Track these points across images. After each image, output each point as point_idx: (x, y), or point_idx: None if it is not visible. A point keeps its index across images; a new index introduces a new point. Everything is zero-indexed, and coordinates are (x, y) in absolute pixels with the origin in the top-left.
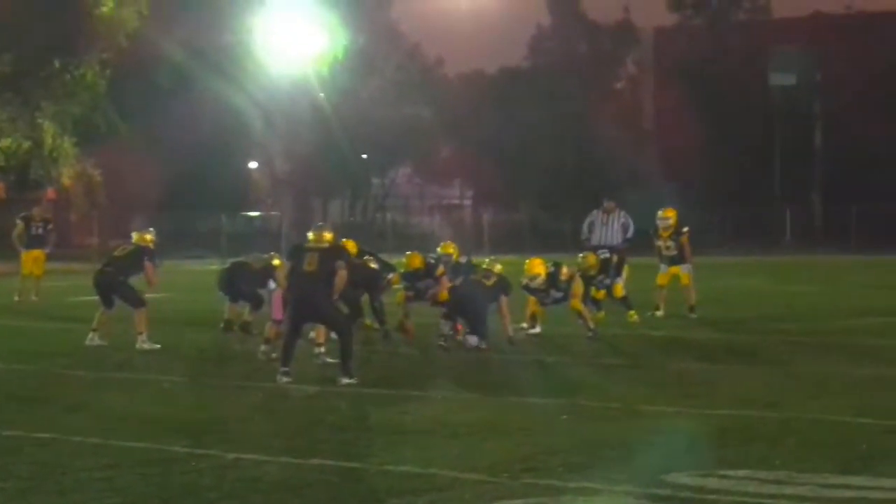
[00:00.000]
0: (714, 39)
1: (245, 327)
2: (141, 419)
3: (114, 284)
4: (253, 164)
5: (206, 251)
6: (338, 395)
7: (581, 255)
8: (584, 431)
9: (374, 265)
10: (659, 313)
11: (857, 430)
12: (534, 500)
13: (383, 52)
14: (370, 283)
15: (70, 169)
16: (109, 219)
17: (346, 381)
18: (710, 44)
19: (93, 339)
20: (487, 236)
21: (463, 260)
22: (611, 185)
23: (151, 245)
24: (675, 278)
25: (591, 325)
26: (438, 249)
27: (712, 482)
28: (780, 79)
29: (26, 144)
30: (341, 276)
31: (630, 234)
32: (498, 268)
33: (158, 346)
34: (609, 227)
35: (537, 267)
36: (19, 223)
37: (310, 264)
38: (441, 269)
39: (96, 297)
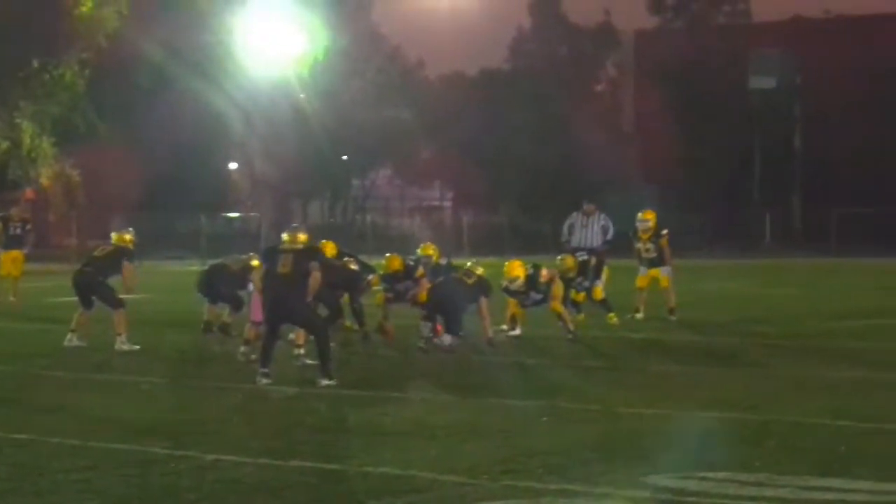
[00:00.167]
0: (694, 42)
1: (224, 329)
2: (120, 420)
3: (93, 285)
4: (233, 165)
5: (185, 252)
6: (317, 397)
7: (559, 257)
8: (563, 433)
9: (354, 267)
10: (639, 316)
11: (836, 433)
12: (513, 502)
13: (364, 54)
14: (350, 284)
15: (49, 169)
16: (88, 219)
17: (325, 382)
18: (691, 47)
19: (71, 340)
20: (467, 238)
21: (443, 262)
22: (591, 188)
23: (131, 245)
24: (655, 281)
25: (571, 327)
26: (418, 251)
27: (692, 484)
28: (760, 82)
29: (5, 144)
30: (315, 277)
31: (610, 236)
32: (479, 270)
33: (137, 347)
34: (589, 229)
35: (517, 269)
36: None
37: (284, 266)
38: (421, 270)
39: (75, 298)
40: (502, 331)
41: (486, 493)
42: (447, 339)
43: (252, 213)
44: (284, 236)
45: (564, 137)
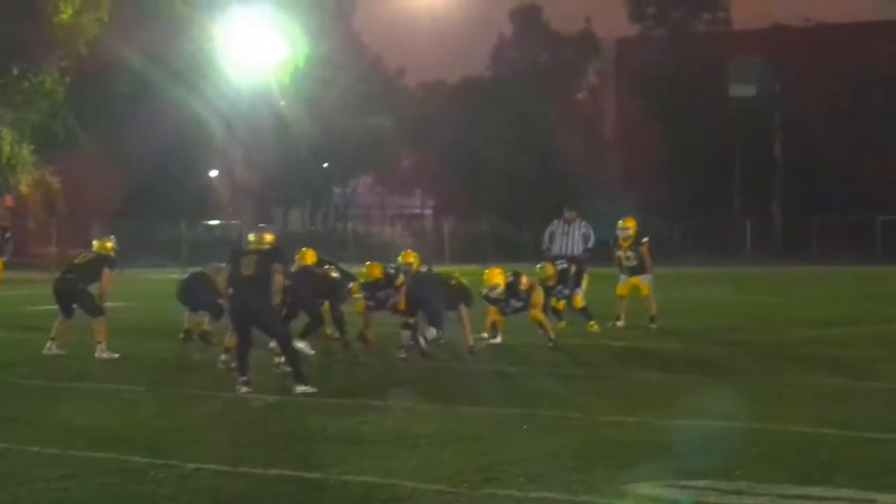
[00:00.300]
0: (675, 50)
1: (205, 337)
2: (99, 429)
3: (74, 292)
4: (213, 173)
5: (165, 260)
6: (298, 406)
7: (539, 265)
8: (544, 442)
9: (334, 275)
10: (619, 324)
11: (816, 441)
12: None
13: (345, 62)
14: (331, 292)
15: (28, 176)
16: (68, 227)
17: (301, 388)
18: (671, 55)
19: (51, 349)
20: (448, 246)
21: (424, 269)
22: (572, 195)
23: (112, 253)
24: (636, 289)
25: (552, 335)
26: (399, 259)
27: (672, 492)
28: (741, 90)
29: None
30: (278, 279)
31: (591, 244)
32: (463, 281)
33: (117, 355)
34: (570, 237)
35: (497, 277)
36: None
37: (247, 268)
38: (401, 278)
39: (55, 306)
40: (483, 339)
41: (466, 502)
42: (432, 332)
43: (233, 221)
44: (251, 237)
45: (545, 145)
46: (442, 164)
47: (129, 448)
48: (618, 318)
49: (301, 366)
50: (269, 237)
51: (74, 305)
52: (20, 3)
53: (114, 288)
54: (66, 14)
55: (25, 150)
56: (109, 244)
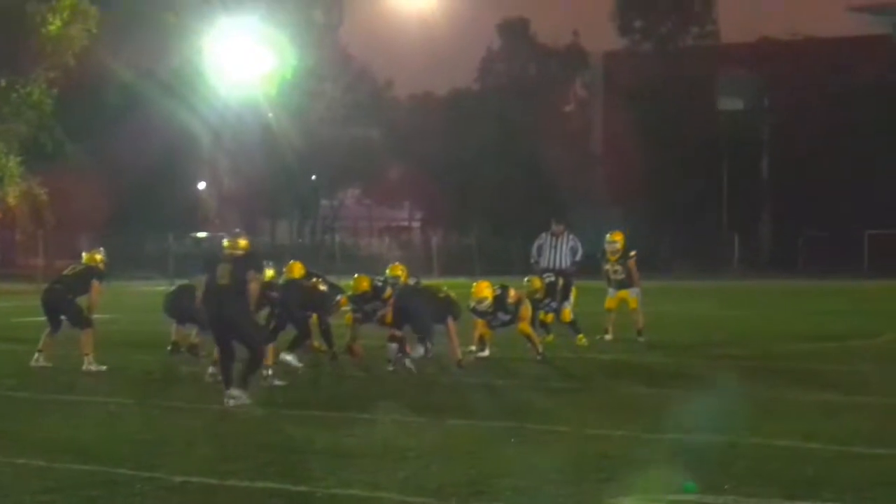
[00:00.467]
0: (662, 64)
1: (192, 349)
2: (86, 442)
3: (62, 303)
4: (201, 185)
5: (153, 272)
6: (285, 418)
7: (526, 279)
8: (532, 455)
9: (322, 287)
10: (607, 337)
11: (804, 455)
12: None
13: (332, 74)
14: (319, 305)
15: (16, 188)
16: (55, 239)
17: (235, 393)
18: (659, 68)
19: (38, 360)
20: (436, 259)
21: (412, 282)
22: (560, 208)
23: (101, 265)
24: (624, 302)
25: (540, 348)
26: (387, 272)
27: None
28: (728, 103)
29: None
30: (254, 287)
31: (579, 257)
32: (451, 294)
33: (105, 367)
34: (558, 250)
35: (484, 290)
36: None
37: (223, 277)
38: (389, 291)
39: (43, 318)
40: (471, 352)
41: None
42: (419, 350)
43: (220, 233)
44: (225, 242)
45: (533, 158)
46: (430, 177)
47: (115, 461)
48: (606, 332)
49: (251, 379)
50: (242, 242)
51: (62, 317)
52: (8, 14)
53: (101, 298)
54: (54, 25)
55: (13, 162)
56: (99, 256)
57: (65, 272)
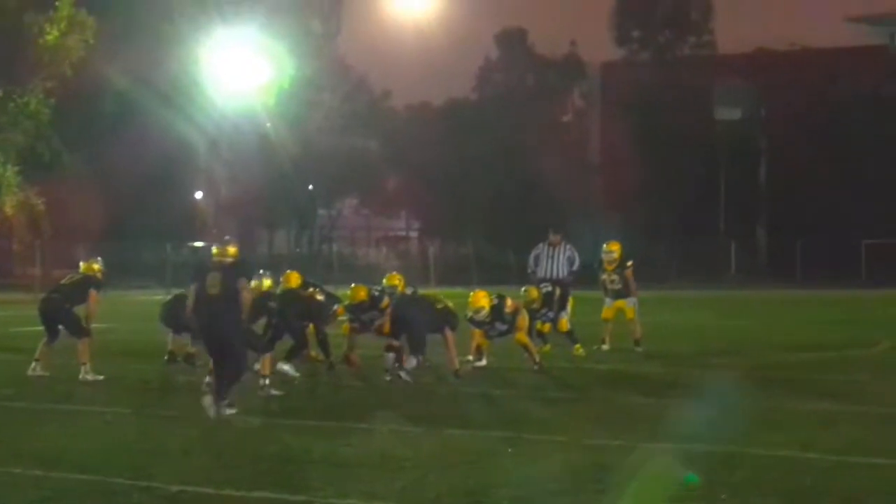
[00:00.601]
0: (660, 74)
1: (189, 359)
2: (83, 451)
3: (59, 312)
4: (198, 194)
5: (150, 281)
6: (282, 428)
7: (523, 288)
8: (529, 465)
9: (319, 297)
10: (604, 347)
11: (802, 465)
12: None
13: (330, 84)
14: (316, 314)
15: (13, 198)
16: (52, 248)
17: (212, 409)
18: (656, 78)
19: (35, 370)
20: (433, 268)
21: (409, 291)
22: (557, 218)
23: (99, 275)
24: (621, 312)
25: (537, 358)
26: (384, 281)
27: None
28: (725, 113)
29: None
30: (246, 297)
31: (576, 266)
32: (449, 303)
33: (102, 377)
34: (555, 260)
35: (482, 300)
36: None
37: (212, 287)
38: (386, 301)
39: (41, 327)
40: (468, 362)
41: None
42: (412, 361)
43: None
44: (214, 249)
45: (530, 167)
46: (427, 187)
47: (112, 470)
48: (603, 342)
49: (229, 391)
50: (231, 250)
51: (60, 327)
52: (5, 24)
53: (98, 307)
54: (51, 35)
55: (10, 172)
56: (96, 266)
57: (62, 281)
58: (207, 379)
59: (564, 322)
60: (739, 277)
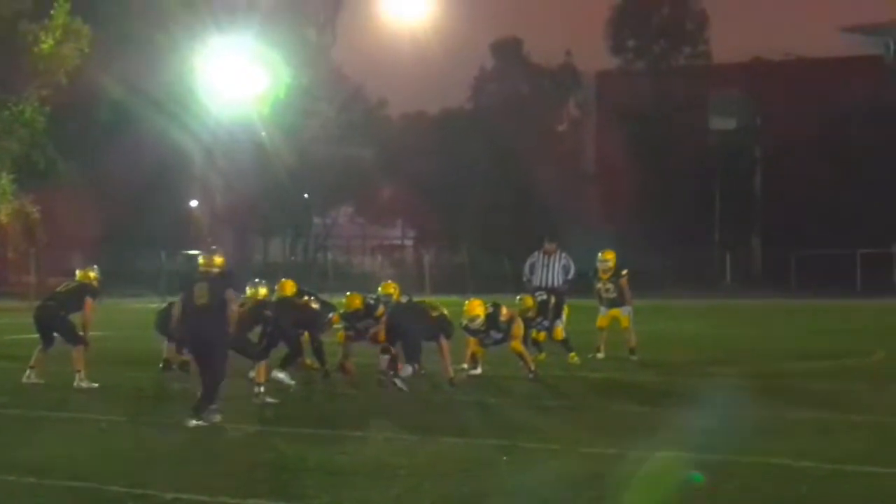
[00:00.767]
0: (655, 83)
1: (183, 366)
2: (77, 458)
3: (55, 319)
4: (193, 203)
5: (145, 289)
6: (277, 436)
7: (518, 297)
8: (524, 473)
9: (314, 305)
10: (599, 355)
11: (797, 474)
12: None
13: (326, 93)
14: (310, 322)
15: (8, 206)
16: (47, 257)
17: (194, 422)
18: (651, 88)
19: (30, 377)
20: (429, 277)
21: (404, 300)
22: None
23: (95, 283)
24: (616, 321)
25: (532, 366)
26: (379, 290)
27: None
28: (721, 123)
29: None
30: (234, 309)
31: (571, 275)
32: (444, 311)
33: (96, 384)
34: (550, 268)
35: (477, 308)
36: None
37: (200, 297)
38: (381, 309)
39: (35, 335)
40: (463, 370)
41: None
42: (407, 370)
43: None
44: (200, 259)
45: (526, 177)
46: (422, 195)
47: (107, 478)
48: (598, 350)
49: (210, 404)
50: (218, 260)
51: (55, 334)
52: (0, 33)
53: (94, 315)
54: (46, 44)
55: (5, 180)
56: (92, 274)
57: (58, 289)
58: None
59: (559, 330)
60: (734, 287)
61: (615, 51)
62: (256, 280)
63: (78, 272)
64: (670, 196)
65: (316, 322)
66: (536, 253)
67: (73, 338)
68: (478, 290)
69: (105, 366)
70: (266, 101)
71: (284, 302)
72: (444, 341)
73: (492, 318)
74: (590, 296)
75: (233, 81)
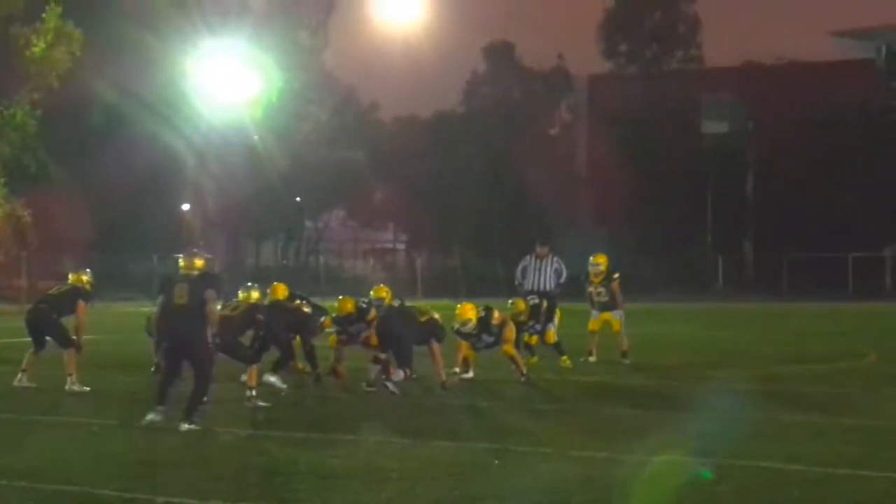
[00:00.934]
0: (647, 87)
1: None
2: (69, 462)
3: (47, 322)
4: (185, 206)
5: (137, 293)
6: (268, 439)
7: (510, 301)
8: (515, 477)
9: (306, 309)
10: (591, 359)
11: (789, 477)
12: None
13: (318, 96)
14: (302, 326)
15: None
16: (39, 260)
17: (185, 426)
18: (644, 92)
19: (21, 380)
20: (421, 280)
21: (396, 304)
22: (544, 231)
23: (88, 287)
24: (607, 324)
25: (524, 370)
26: (371, 293)
27: None
28: (713, 126)
29: None
30: (211, 309)
31: (563, 279)
32: (436, 315)
33: (88, 388)
34: (542, 272)
35: (468, 312)
36: None
37: (180, 297)
38: (373, 313)
39: (27, 339)
40: (455, 373)
41: None
42: (399, 374)
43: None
44: (181, 262)
45: (518, 180)
46: (414, 199)
47: (99, 481)
48: (590, 354)
49: (198, 408)
50: (199, 262)
51: (47, 338)
52: None
53: (87, 318)
54: (38, 47)
55: None
56: (85, 277)
57: (50, 292)
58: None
59: (552, 334)
60: (726, 290)
61: (607, 55)
62: (248, 284)
63: (71, 275)
64: (662, 200)
65: (308, 326)
66: (528, 256)
67: (64, 341)
68: (470, 294)
69: (97, 369)
70: (258, 104)
71: (276, 306)
72: (435, 345)
73: (484, 322)
74: (582, 299)
75: (225, 85)
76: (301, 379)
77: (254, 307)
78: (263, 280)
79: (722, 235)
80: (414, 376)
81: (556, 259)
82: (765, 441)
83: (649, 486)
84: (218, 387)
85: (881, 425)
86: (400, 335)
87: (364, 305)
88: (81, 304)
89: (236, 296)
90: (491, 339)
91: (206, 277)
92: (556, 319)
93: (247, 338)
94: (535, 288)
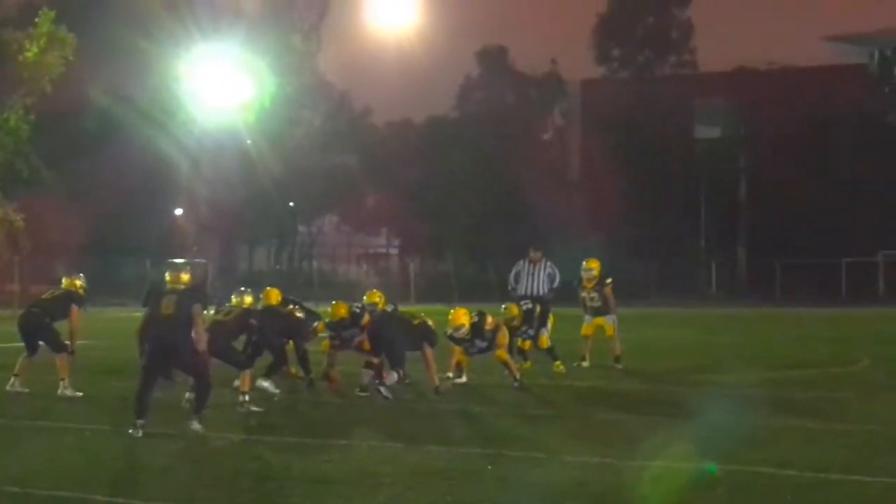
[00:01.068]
0: (640, 92)
1: (168, 375)
2: (61, 467)
3: (39, 326)
4: (178, 211)
5: (129, 298)
6: (261, 445)
7: (504, 306)
8: (509, 482)
9: (299, 314)
10: (584, 364)
11: (781, 482)
12: None
13: (311, 101)
14: (295, 331)
15: None
16: (31, 265)
17: (196, 426)
18: (637, 97)
19: (13, 385)
20: (414, 285)
21: (389, 309)
22: (537, 236)
23: (81, 291)
24: (600, 329)
25: (517, 375)
26: (364, 298)
27: None
28: (706, 131)
29: None
30: (197, 322)
31: (556, 284)
32: (428, 320)
33: (80, 393)
34: (535, 277)
35: (461, 317)
36: None
37: (167, 307)
38: (367, 318)
39: (19, 344)
40: (448, 378)
41: None
42: (393, 376)
43: (198, 260)
44: (167, 276)
45: (511, 185)
46: (408, 204)
47: (91, 487)
48: (583, 359)
49: (204, 407)
50: (185, 277)
51: (40, 342)
52: None
53: (81, 323)
54: (31, 52)
55: None
56: (79, 282)
57: (43, 296)
58: (187, 395)
59: (545, 339)
60: (719, 295)
61: (600, 59)
62: (242, 289)
63: (64, 280)
64: (656, 204)
65: (301, 331)
66: (521, 261)
67: (57, 345)
68: (463, 299)
69: (89, 374)
70: (251, 108)
71: (269, 311)
72: (428, 350)
73: (477, 327)
74: (575, 304)
75: (218, 89)
76: (294, 384)
77: (247, 312)
78: (256, 285)
79: (715, 240)
80: (407, 381)
81: (549, 264)
82: (757, 446)
83: (643, 491)
84: (211, 392)
85: (874, 430)
86: (392, 339)
87: (357, 310)
88: (75, 308)
89: (229, 300)
90: (484, 345)
91: (193, 291)
92: (550, 324)
93: (240, 342)
94: (529, 293)
